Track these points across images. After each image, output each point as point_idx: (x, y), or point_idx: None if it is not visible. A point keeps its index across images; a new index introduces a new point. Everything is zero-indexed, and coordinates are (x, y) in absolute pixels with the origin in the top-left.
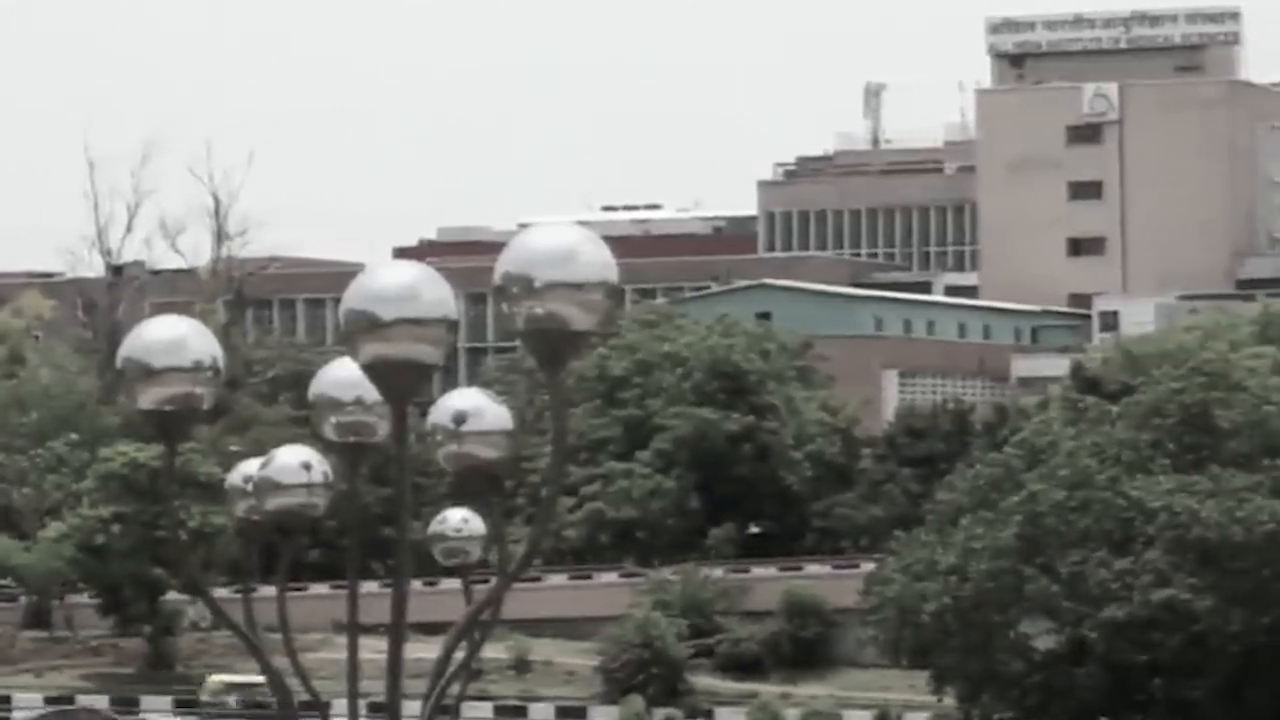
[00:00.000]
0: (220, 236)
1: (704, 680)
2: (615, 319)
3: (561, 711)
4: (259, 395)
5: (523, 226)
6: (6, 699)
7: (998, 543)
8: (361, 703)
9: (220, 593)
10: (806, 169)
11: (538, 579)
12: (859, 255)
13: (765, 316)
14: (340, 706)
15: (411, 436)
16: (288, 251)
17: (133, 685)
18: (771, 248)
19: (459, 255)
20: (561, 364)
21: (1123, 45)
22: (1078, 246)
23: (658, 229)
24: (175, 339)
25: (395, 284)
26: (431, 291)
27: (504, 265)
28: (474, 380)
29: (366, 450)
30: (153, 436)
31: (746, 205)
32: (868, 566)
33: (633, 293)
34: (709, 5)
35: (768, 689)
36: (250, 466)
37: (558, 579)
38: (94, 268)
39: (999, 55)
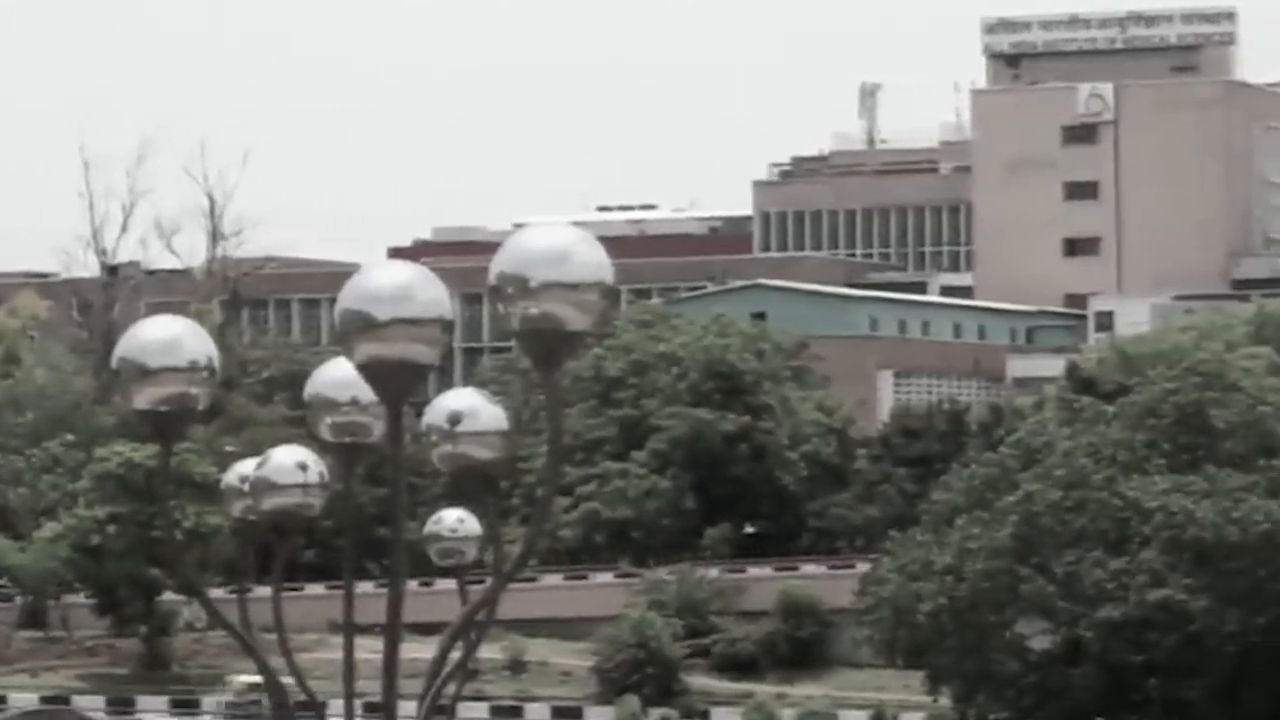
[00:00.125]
0: (215, 236)
1: (699, 680)
2: (610, 319)
3: (557, 712)
4: (254, 395)
5: (518, 227)
6: (2, 699)
7: (993, 543)
8: (357, 703)
9: (216, 593)
10: (802, 169)
11: (533, 579)
12: (854, 255)
13: (760, 317)
14: (336, 706)
15: (407, 437)
16: (283, 251)
17: (128, 685)
18: (767, 248)
19: (454, 255)
20: (557, 364)
21: (1118, 45)
22: (1073, 247)
23: (653, 229)
24: (170, 339)
25: (391, 284)
26: (427, 292)
27: (499, 265)
28: (469, 380)
29: (362, 450)
30: (148, 436)
31: (742, 205)
32: (863, 567)
33: (628, 293)
34: (704, 6)
35: (763, 689)
36: (246, 467)
37: (553, 579)
38: (89, 268)
39: (994, 55)
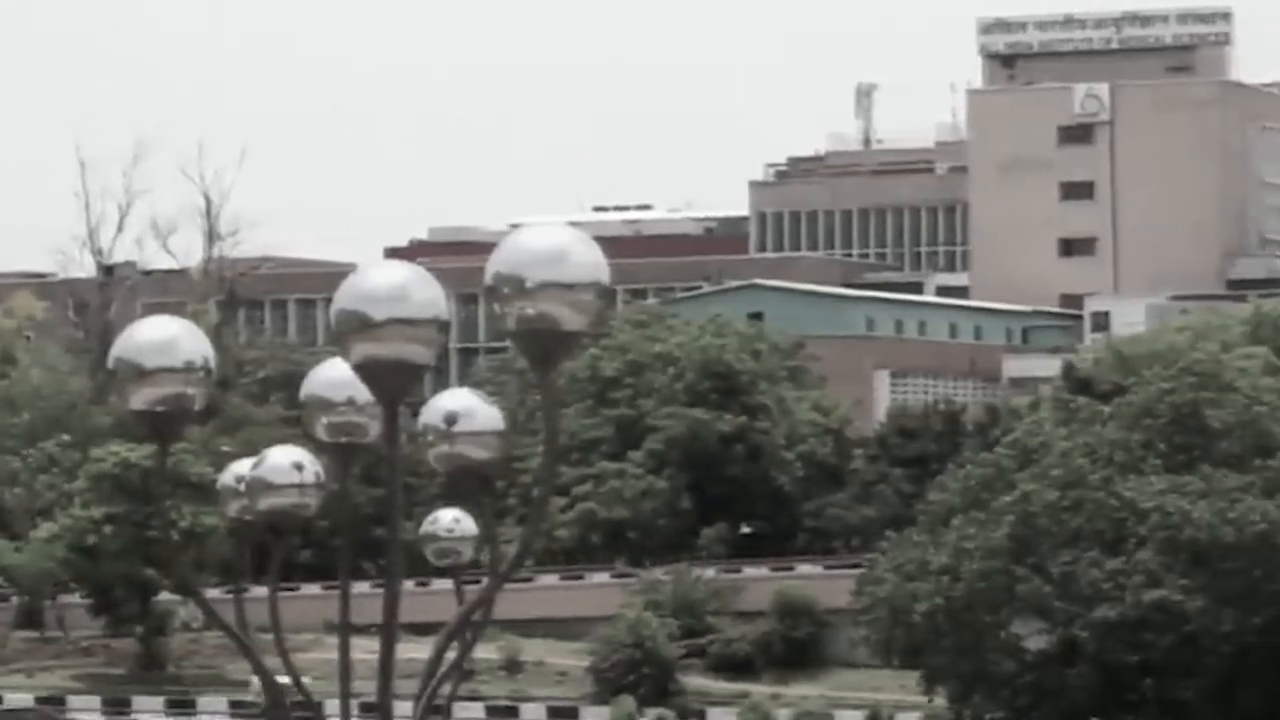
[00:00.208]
0: (212, 237)
1: (695, 680)
2: (607, 319)
3: (553, 712)
4: (251, 395)
5: (514, 227)
6: None
7: (989, 543)
8: (353, 703)
9: (212, 593)
10: (798, 169)
11: (529, 579)
12: (850, 255)
13: (757, 317)
14: (333, 707)
15: (403, 437)
16: (279, 252)
17: (124, 686)
18: (763, 248)
19: (450, 255)
20: (553, 364)
21: (1114, 46)
22: (1069, 247)
23: (649, 229)
24: (167, 339)
25: (387, 284)
26: (423, 292)
27: (495, 265)
28: (465, 381)
29: (358, 450)
30: (144, 437)
31: (738, 205)
32: (853, 561)
33: (624, 293)
34: (699, 7)
35: (759, 689)
36: (242, 467)
37: (549, 579)
38: (85, 268)
39: (990, 56)
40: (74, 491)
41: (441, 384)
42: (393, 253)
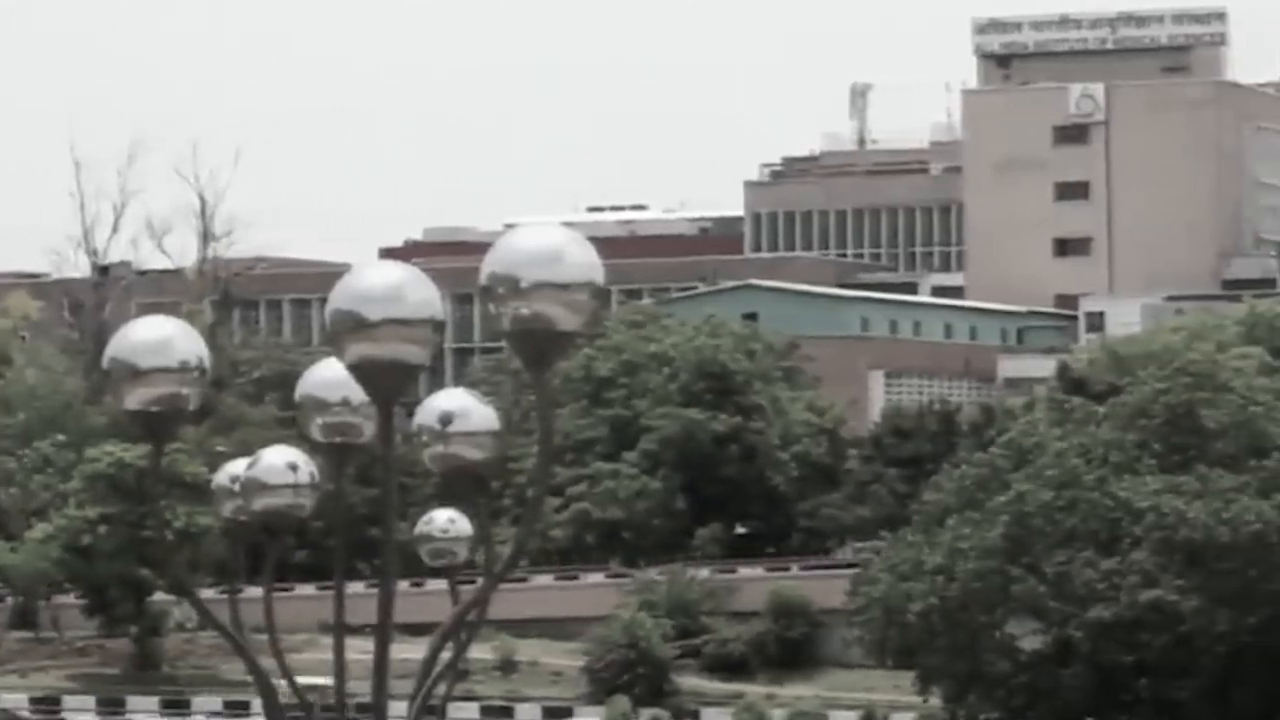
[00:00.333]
0: (206, 237)
1: (690, 680)
2: (601, 319)
3: (547, 712)
4: (245, 396)
5: (509, 227)
6: None
7: (984, 543)
8: (348, 703)
9: (206, 593)
10: (793, 169)
11: (524, 579)
12: (845, 256)
13: (751, 317)
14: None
15: (398, 437)
16: (274, 252)
17: (119, 686)
18: (758, 248)
19: (445, 256)
20: (547, 364)
21: (1109, 46)
22: (1064, 247)
23: (644, 229)
24: (161, 339)
25: (381, 284)
26: (418, 292)
27: (490, 266)
28: (460, 381)
29: (353, 451)
30: (139, 437)
31: (733, 206)
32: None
33: (619, 293)
34: (695, 7)
35: (754, 689)
36: (237, 467)
37: (544, 579)
38: (80, 268)
39: (985, 56)
40: (69, 492)
41: (436, 384)
42: (388, 253)
